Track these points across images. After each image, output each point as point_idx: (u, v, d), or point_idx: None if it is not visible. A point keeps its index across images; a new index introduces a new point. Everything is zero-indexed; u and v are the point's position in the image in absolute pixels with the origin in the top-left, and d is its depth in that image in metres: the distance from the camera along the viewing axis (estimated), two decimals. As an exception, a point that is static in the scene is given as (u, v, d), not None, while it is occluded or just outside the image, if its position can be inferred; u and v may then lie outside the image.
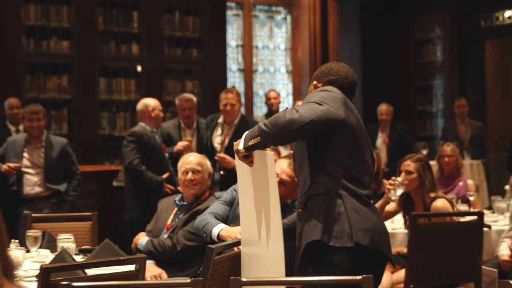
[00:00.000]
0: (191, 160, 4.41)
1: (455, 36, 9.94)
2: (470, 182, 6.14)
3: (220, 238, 3.68)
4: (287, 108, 2.93)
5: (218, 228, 3.72)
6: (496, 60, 10.29)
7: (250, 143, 2.91)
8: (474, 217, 4.57)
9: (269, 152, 3.02)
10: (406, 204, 4.69)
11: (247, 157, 2.98)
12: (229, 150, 6.15)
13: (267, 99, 8.53)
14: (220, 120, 6.38)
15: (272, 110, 8.39)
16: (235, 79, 9.60)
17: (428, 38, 10.35)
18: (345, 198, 2.93)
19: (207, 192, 4.41)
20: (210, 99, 8.39)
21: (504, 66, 10.38)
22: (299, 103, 7.79)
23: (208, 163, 4.46)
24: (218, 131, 6.36)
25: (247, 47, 9.67)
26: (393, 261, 3.08)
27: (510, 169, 7.57)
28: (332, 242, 2.89)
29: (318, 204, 2.95)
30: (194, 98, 6.91)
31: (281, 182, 3.69)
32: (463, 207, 5.40)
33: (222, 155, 6.09)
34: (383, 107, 8.69)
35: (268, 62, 9.98)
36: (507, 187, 6.34)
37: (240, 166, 3.14)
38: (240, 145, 2.95)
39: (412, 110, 10.24)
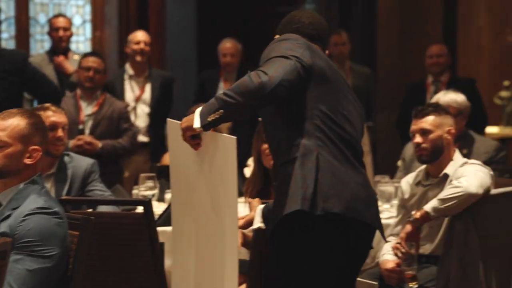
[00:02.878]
0: None
1: None
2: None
3: None
4: (249, 71, 3.53)
5: None
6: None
7: (210, 119, 3.53)
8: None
9: (230, 136, 3.62)
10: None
11: (196, 137, 3.62)
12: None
13: (52, 29, 8.38)
14: None
15: (59, 46, 8.27)
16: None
17: None
18: (321, 158, 3.63)
19: None
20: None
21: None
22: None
23: None
24: None
25: None
26: (383, 233, 3.88)
27: (401, 132, 7.96)
28: (309, 209, 3.58)
29: (291, 170, 3.63)
30: None
31: None
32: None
33: None
34: (227, 45, 8.81)
35: (53, -28, 9.85)
36: (399, 162, 6.65)
37: (178, 147, 3.74)
38: (195, 122, 3.57)
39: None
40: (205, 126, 3.57)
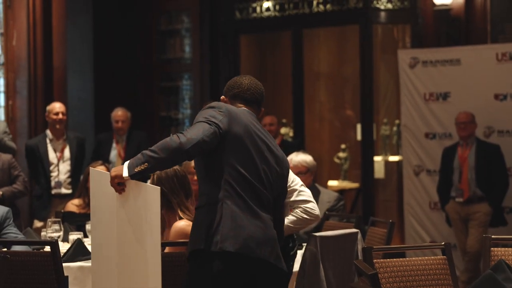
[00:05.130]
0: None
1: (206, 29, 10.34)
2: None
3: None
4: (171, 134, 3.69)
5: None
6: (252, 58, 10.89)
7: (136, 170, 3.63)
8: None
9: (154, 187, 3.76)
10: None
11: (121, 184, 3.70)
12: None
13: (-29, 98, 8.23)
14: None
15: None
16: None
17: (174, 29, 10.65)
18: (225, 206, 3.74)
19: None
20: None
21: (262, 66, 11.04)
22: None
23: None
24: None
25: None
26: (284, 268, 3.88)
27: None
28: (208, 248, 3.72)
29: (201, 215, 3.78)
30: None
31: None
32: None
33: None
34: (118, 113, 8.77)
35: (-28, 51, 9.65)
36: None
37: (100, 191, 3.83)
38: (124, 172, 3.66)
39: (154, 116, 10.47)
40: (132, 176, 3.66)
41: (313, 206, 4.80)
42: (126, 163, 3.68)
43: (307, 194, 4.84)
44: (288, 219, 4.76)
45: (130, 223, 3.79)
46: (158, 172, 5.05)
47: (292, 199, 4.79)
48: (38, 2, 9.70)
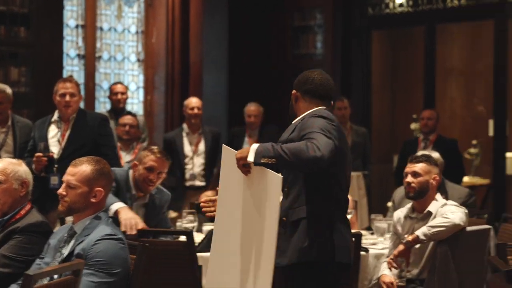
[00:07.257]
0: None
1: (339, 25, 10.27)
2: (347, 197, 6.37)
3: (116, 216, 4.83)
4: (306, 140, 3.57)
5: (118, 205, 4.93)
6: (384, 54, 10.75)
7: (262, 161, 3.56)
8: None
9: (277, 175, 3.60)
10: None
11: (247, 166, 3.61)
12: (67, 149, 6.14)
13: (112, 93, 8.40)
14: (55, 117, 6.30)
15: (117, 107, 8.29)
16: (73, 67, 9.47)
17: (308, 25, 10.64)
18: (334, 218, 3.76)
19: (27, 206, 4.30)
20: (40, 90, 8.23)
21: (394, 62, 10.88)
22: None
23: (21, 169, 4.28)
24: (53, 130, 6.28)
25: (89, 29, 9.57)
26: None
27: (398, 183, 7.88)
28: (322, 259, 3.72)
29: (311, 226, 3.73)
30: (8, 90, 6.69)
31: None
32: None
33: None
34: (251, 107, 8.82)
35: (115, 48, 9.91)
36: (389, 204, 6.63)
37: (229, 170, 3.74)
38: (250, 156, 3.58)
39: (286, 111, 10.47)
40: (257, 164, 3.58)
41: (451, 212, 4.81)
42: (254, 147, 3.58)
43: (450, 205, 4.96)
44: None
45: (251, 207, 3.72)
46: None
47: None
48: (177, 1, 9.88)
